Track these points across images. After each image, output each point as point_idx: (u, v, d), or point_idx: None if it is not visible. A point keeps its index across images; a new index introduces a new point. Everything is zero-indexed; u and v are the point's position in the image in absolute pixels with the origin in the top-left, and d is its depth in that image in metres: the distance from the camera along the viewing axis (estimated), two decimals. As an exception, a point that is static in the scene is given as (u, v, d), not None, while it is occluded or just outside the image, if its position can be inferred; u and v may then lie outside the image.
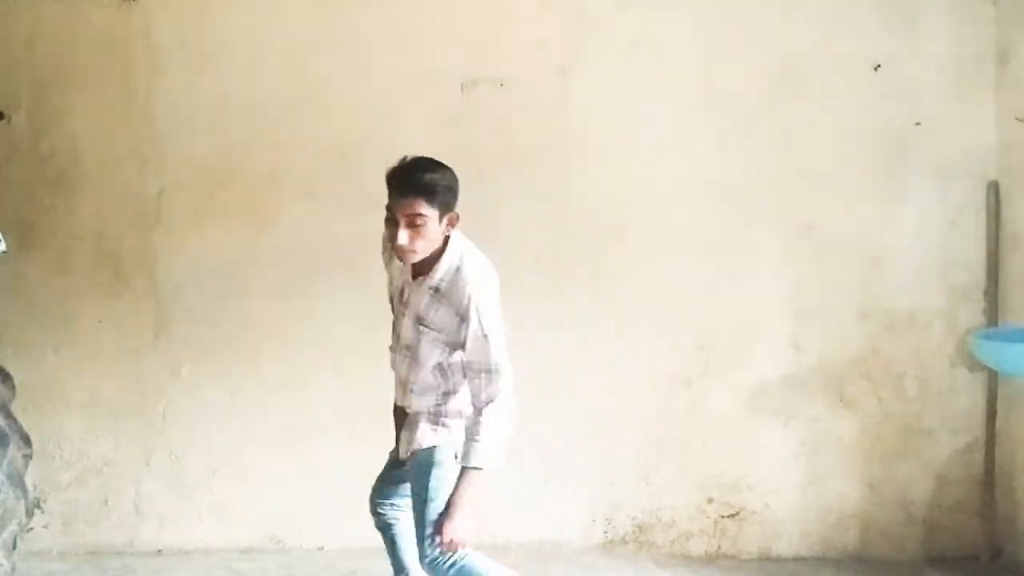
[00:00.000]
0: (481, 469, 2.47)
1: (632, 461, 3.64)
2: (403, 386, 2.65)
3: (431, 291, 2.50)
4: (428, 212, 2.39)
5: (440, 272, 2.49)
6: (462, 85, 3.50)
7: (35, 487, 3.43)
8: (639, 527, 3.66)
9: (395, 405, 2.75)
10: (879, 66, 3.55)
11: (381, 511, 2.88)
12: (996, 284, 3.53)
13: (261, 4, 3.57)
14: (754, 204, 3.58)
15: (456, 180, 2.47)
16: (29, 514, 2.99)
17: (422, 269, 2.52)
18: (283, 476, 3.63)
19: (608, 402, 3.62)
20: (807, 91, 3.56)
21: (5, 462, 2.77)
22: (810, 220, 3.58)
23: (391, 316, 2.71)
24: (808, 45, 3.56)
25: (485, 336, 2.46)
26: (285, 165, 3.59)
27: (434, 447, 2.58)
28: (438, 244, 2.48)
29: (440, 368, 2.57)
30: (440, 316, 2.50)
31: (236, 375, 3.63)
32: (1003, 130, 3.51)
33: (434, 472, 2.56)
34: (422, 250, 2.44)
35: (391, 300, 2.72)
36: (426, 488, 2.55)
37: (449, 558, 2.54)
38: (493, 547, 3.36)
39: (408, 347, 2.58)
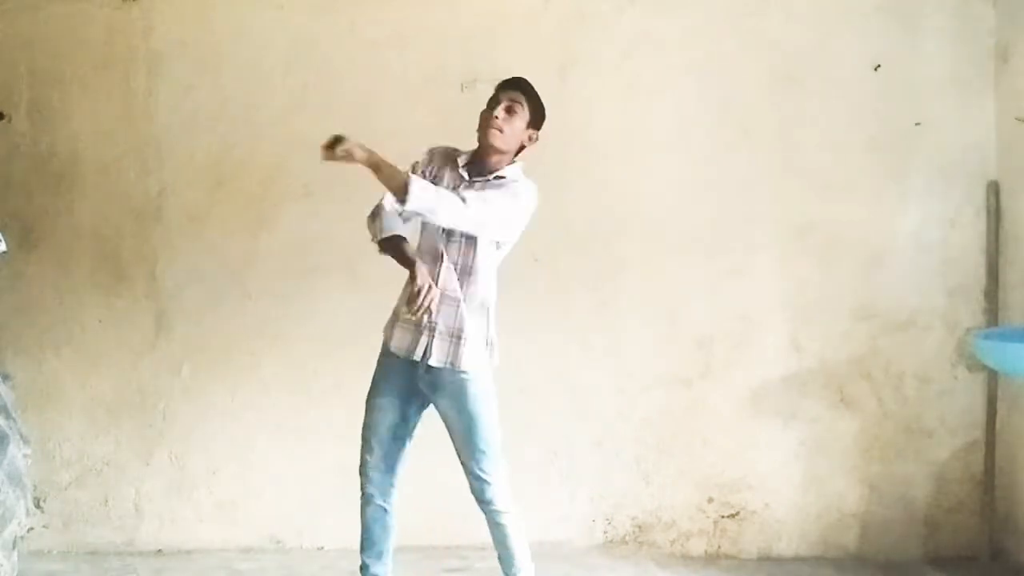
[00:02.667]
0: (406, 192, 2.48)
1: (632, 461, 3.64)
2: (450, 301, 2.68)
3: (493, 178, 2.70)
4: (525, 106, 2.71)
5: (509, 169, 2.73)
6: (462, 85, 3.49)
7: (35, 487, 3.43)
8: (639, 527, 3.66)
9: (397, 327, 2.74)
10: (879, 66, 3.55)
11: (394, 486, 2.84)
12: (996, 284, 3.53)
13: (261, 4, 3.58)
14: (754, 204, 3.58)
15: (545, 111, 2.78)
16: (29, 514, 2.99)
17: (483, 170, 2.72)
18: (283, 476, 3.63)
19: (608, 402, 3.62)
20: (807, 91, 3.56)
21: (5, 462, 2.76)
22: (810, 220, 3.58)
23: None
24: (808, 45, 3.56)
25: (508, 194, 2.66)
26: (285, 165, 3.59)
27: (480, 370, 2.70)
28: (517, 144, 2.74)
29: (488, 275, 2.70)
30: (492, 192, 2.66)
31: (236, 375, 3.63)
32: (1003, 130, 3.51)
33: (484, 397, 2.71)
34: (508, 135, 2.69)
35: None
36: (478, 413, 2.71)
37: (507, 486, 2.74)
38: (493, 547, 3.36)
39: (462, 235, 2.66)
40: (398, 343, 2.75)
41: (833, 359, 3.60)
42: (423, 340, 2.70)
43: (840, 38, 3.56)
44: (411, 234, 2.76)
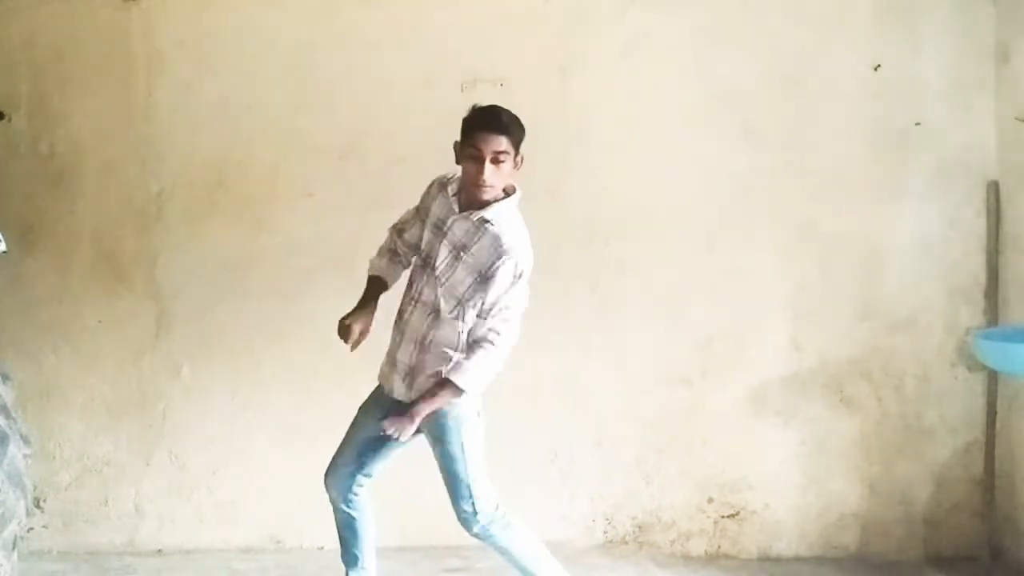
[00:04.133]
0: (461, 390, 2.59)
1: (632, 461, 3.64)
2: (418, 341, 2.69)
3: (480, 221, 2.62)
4: (509, 150, 2.58)
5: (496, 211, 2.62)
6: (462, 85, 3.49)
7: (35, 487, 3.43)
8: (639, 527, 3.66)
9: (389, 366, 2.78)
10: (879, 66, 3.55)
11: (355, 494, 2.85)
12: (996, 284, 3.53)
13: (261, 4, 3.57)
14: (754, 204, 3.58)
15: (524, 128, 2.66)
16: (29, 514, 2.99)
17: (473, 204, 2.63)
18: (283, 476, 3.63)
19: (608, 402, 3.62)
20: (807, 91, 3.56)
21: (5, 462, 2.76)
22: (810, 220, 3.58)
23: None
24: (808, 45, 3.56)
25: (519, 277, 2.63)
26: (285, 165, 3.59)
27: (459, 403, 2.67)
28: (509, 182, 2.65)
29: (461, 309, 2.64)
30: (481, 246, 2.61)
31: (236, 375, 3.63)
32: (1003, 130, 3.51)
33: (464, 429, 2.68)
34: (498, 185, 2.61)
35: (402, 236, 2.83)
36: (461, 446, 2.68)
37: (498, 513, 2.73)
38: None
39: (442, 276, 2.64)
40: (380, 373, 2.83)
41: (833, 359, 3.60)
42: (390, 375, 2.76)
43: (840, 38, 3.56)
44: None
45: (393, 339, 2.79)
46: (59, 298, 3.62)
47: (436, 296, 2.66)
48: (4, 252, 2.89)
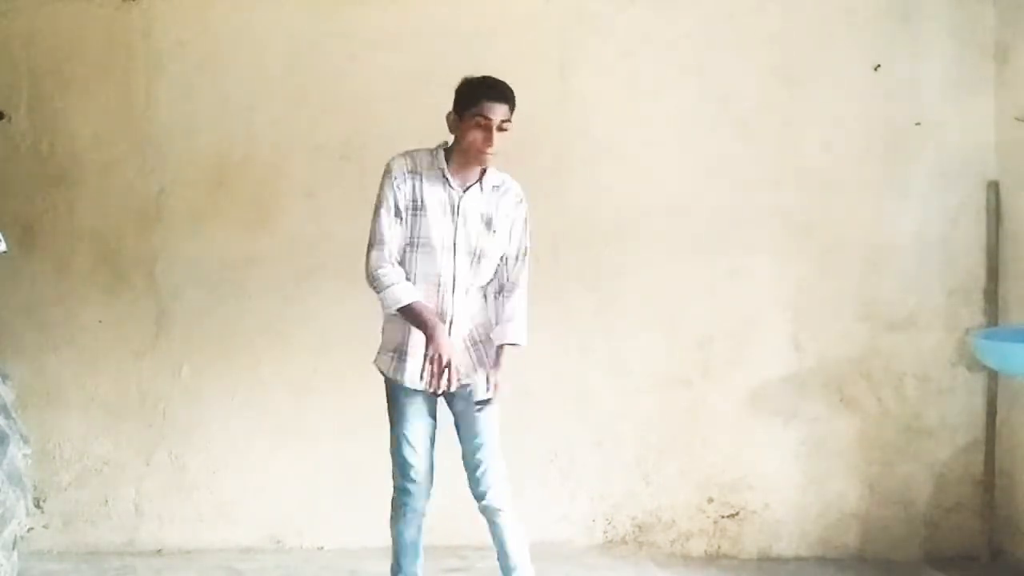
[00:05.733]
0: (519, 345, 2.79)
1: (632, 461, 3.64)
2: (464, 318, 2.73)
3: (493, 189, 2.74)
4: (511, 119, 2.65)
5: (497, 175, 2.76)
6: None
7: (35, 487, 3.43)
8: (639, 527, 3.66)
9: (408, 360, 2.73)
10: (879, 66, 3.55)
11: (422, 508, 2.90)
12: (996, 284, 3.53)
13: (261, 4, 3.57)
14: (754, 204, 3.58)
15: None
16: (29, 514, 2.99)
17: (469, 179, 2.72)
18: (283, 476, 3.63)
19: (608, 402, 3.62)
20: (807, 91, 3.56)
21: (5, 462, 2.76)
22: (810, 220, 3.58)
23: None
24: (808, 45, 3.56)
25: (526, 220, 2.80)
26: (285, 165, 3.59)
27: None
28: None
29: (496, 273, 2.80)
30: (505, 208, 2.74)
31: (236, 375, 3.63)
32: (1003, 130, 3.51)
33: (498, 409, 2.77)
34: (500, 149, 2.66)
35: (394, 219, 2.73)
36: (497, 424, 2.77)
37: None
38: (493, 547, 3.36)
39: (473, 252, 2.71)
40: (412, 377, 2.70)
41: (833, 359, 3.60)
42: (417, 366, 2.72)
43: (840, 38, 3.56)
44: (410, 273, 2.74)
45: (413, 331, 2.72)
46: (59, 298, 3.62)
47: (469, 274, 2.71)
48: (4, 252, 2.89)
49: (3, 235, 2.90)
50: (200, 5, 3.57)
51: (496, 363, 2.75)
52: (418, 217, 2.67)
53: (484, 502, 2.78)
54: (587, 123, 3.57)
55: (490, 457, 2.76)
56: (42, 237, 3.61)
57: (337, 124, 3.59)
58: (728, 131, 3.57)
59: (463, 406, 2.76)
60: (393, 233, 2.66)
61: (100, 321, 3.62)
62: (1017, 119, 3.41)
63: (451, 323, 2.70)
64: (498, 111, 2.61)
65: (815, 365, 3.61)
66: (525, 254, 2.82)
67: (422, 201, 2.67)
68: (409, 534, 2.90)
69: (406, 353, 2.71)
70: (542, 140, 3.52)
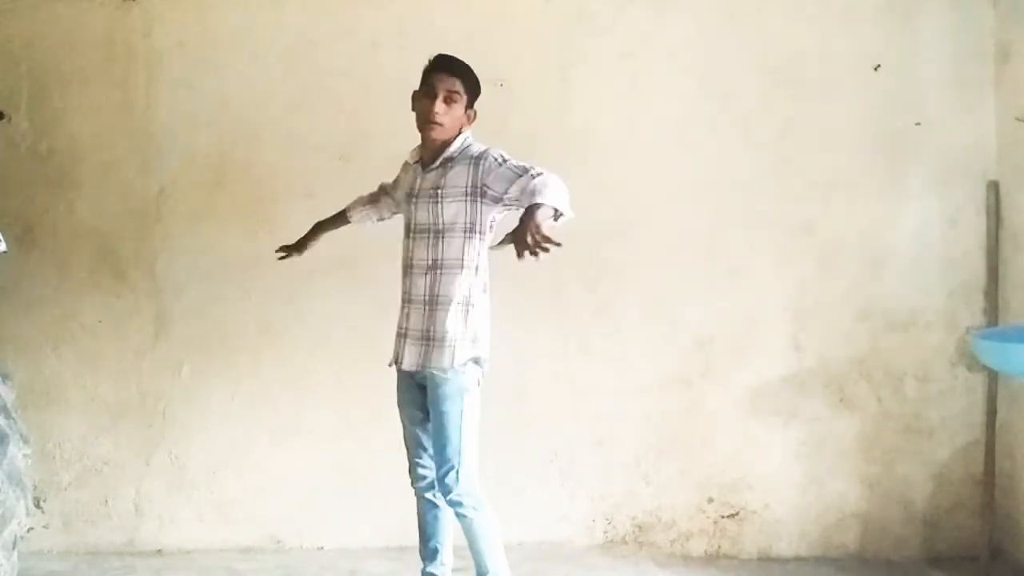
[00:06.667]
0: (553, 208, 2.42)
1: (632, 461, 3.64)
2: (425, 303, 2.70)
3: (443, 162, 2.72)
4: (463, 93, 2.70)
5: (452, 148, 2.73)
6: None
7: (35, 487, 3.43)
8: (639, 527, 3.66)
9: (400, 339, 2.78)
10: (879, 66, 3.55)
11: (434, 485, 2.84)
12: (996, 284, 3.53)
13: (261, 4, 3.58)
14: (754, 204, 3.58)
15: (480, 86, 2.77)
16: (29, 514, 2.99)
17: (433, 157, 2.75)
18: (283, 476, 3.63)
19: (608, 402, 3.62)
20: (807, 91, 3.56)
21: (5, 462, 2.76)
22: (810, 220, 3.58)
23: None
24: (808, 45, 3.56)
25: (503, 160, 2.63)
26: (285, 165, 3.59)
27: (465, 365, 2.68)
28: (456, 129, 2.73)
29: (464, 247, 2.67)
30: (453, 176, 2.68)
31: (236, 375, 3.63)
32: (1003, 130, 3.51)
33: (466, 397, 2.68)
34: (448, 126, 2.69)
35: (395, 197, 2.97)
36: (460, 413, 2.68)
37: (476, 492, 2.70)
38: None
39: (428, 230, 2.70)
40: (395, 355, 2.81)
41: (833, 359, 3.60)
42: (400, 345, 2.76)
43: (840, 38, 3.56)
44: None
45: (401, 314, 2.79)
46: (59, 298, 3.62)
47: (428, 250, 2.70)
48: (4, 252, 2.89)
49: (3, 235, 2.91)
50: (200, 5, 3.57)
51: (527, 221, 2.39)
52: (401, 204, 2.87)
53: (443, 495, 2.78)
54: (587, 123, 3.57)
55: (438, 449, 2.73)
56: (42, 237, 3.61)
57: (337, 124, 3.59)
58: (728, 131, 3.57)
59: (428, 400, 2.75)
60: (387, 186, 3.01)
61: (100, 321, 3.62)
62: (1017, 119, 3.41)
63: (409, 302, 2.74)
64: (444, 81, 2.68)
65: (815, 365, 3.61)
66: (523, 170, 2.56)
67: (403, 189, 2.86)
68: (422, 518, 2.90)
69: (396, 334, 2.80)
70: (542, 140, 3.52)
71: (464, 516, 2.74)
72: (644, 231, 3.59)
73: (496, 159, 2.64)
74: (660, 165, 3.59)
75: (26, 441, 3.01)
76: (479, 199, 2.66)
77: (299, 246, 3.12)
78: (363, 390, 3.53)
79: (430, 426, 2.74)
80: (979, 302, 3.57)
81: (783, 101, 3.56)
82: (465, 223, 2.68)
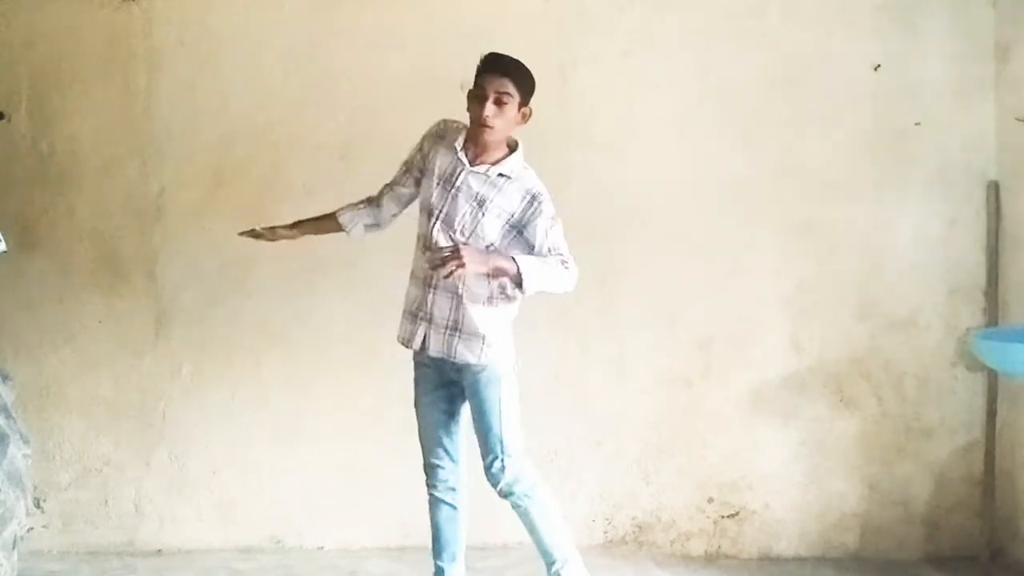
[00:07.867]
0: (520, 275, 2.57)
1: (632, 461, 3.64)
2: (455, 294, 2.68)
3: (497, 176, 2.69)
4: (514, 93, 2.65)
5: (509, 164, 2.70)
6: (462, 85, 3.46)
7: (35, 487, 3.42)
8: (639, 527, 3.66)
9: (416, 322, 2.75)
10: (879, 66, 3.55)
11: (453, 488, 2.84)
12: (996, 284, 3.53)
13: (261, 4, 3.57)
14: (754, 204, 3.58)
15: (535, 81, 2.72)
16: (29, 514, 2.99)
17: (486, 157, 2.70)
18: (283, 476, 3.63)
19: (608, 402, 3.62)
20: (807, 91, 3.56)
21: (5, 462, 2.76)
22: (810, 220, 3.58)
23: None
24: (808, 45, 3.56)
25: (555, 218, 2.69)
26: (285, 165, 3.59)
27: (499, 359, 2.69)
28: (511, 130, 2.71)
29: (487, 247, 2.66)
30: (503, 197, 2.67)
31: (236, 375, 3.63)
32: (1003, 130, 3.51)
33: (503, 383, 2.70)
34: (500, 129, 2.66)
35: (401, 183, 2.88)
36: (499, 400, 2.70)
37: (527, 475, 2.73)
38: (493, 547, 3.36)
39: (458, 226, 2.67)
40: (400, 332, 2.77)
41: (833, 359, 3.60)
42: (421, 328, 2.72)
43: (840, 38, 3.56)
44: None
45: (419, 295, 2.75)
46: (59, 298, 3.61)
47: (454, 241, 2.68)
48: (4, 252, 2.89)
49: (3, 235, 2.90)
50: (200, 5, 3.57)
51: (491, 262, 2.60)
52: (425, 180, 2.77)
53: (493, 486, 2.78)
54: (587, 123, 3.57)
55: (482, 440, 2.74)
56: (42, 237, 3.60)
57: (337, 124, 3.59)
58: (728, 131, 3.57)
59: (467, 390, 2.75)
60: (391, 182, 2.87)
61: (100, 321, 3.62)
62: (1017, 119, 3.41)
63: (432, 287, 2.70)
64: (494, 83, 2.64)
65: (815, 365, 3.61)
66: (553, 255, 2.70)
67: (432, 166, 2.75)
68: (435, 517, 2.87)
69: (405, 311, 2.78)
70: (542, 140, 3.51)
71: (518, 505, 2.74)
72: (644, 231, 3.59)
73: (551, 218, 2.68)
74: (660, 165, 3.58)
75: (26, 441, 3.00)
76: (514, 230, 2.69)
77: (271, 230, 2.97)
78: (363, 390, 3.53)
79: (455, 423, 2.76)
80: (979, 302, 3.57)
81: (783, 101, 3.56)
82: (495, 237, 2.69)
